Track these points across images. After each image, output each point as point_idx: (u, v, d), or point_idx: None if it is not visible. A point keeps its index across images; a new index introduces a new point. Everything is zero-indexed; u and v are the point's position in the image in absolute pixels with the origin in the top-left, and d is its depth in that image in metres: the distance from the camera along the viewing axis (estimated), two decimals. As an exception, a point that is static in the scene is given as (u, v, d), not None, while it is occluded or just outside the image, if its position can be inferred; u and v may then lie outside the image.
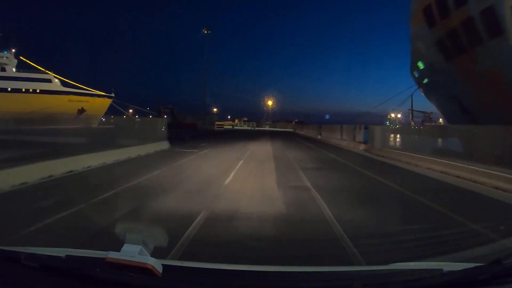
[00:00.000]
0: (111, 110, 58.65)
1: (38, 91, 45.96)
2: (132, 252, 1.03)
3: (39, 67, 48.08)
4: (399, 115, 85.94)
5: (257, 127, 77.29)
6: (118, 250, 1.05)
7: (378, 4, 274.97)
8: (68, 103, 47.56)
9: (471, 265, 1.27)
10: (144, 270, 1.01)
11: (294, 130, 61.18)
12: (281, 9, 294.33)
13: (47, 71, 48.31)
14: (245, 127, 76.24)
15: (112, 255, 1.04)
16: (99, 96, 52.07)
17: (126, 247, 1.05)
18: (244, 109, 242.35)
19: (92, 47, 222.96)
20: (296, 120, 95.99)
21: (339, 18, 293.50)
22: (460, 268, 1.22)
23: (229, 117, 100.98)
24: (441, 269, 1.20)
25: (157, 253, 1.11)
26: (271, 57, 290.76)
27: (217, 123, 54.53)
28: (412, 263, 1.53)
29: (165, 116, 58.07)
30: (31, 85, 45.91)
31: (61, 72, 51.99)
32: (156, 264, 1.03)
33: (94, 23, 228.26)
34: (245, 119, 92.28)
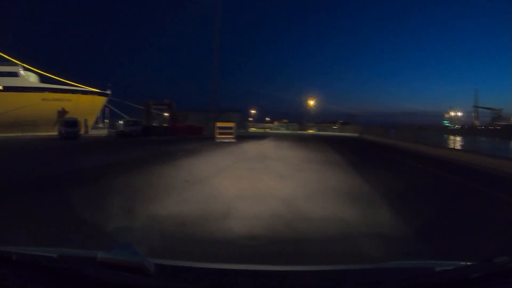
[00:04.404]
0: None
1: (1, 88, 34.94)
2: (124, 251, 1.03)
3: (8, 58, 37.14)
4: (459, 114, 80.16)
5: (300, 130, 59.88)
6: (111, 249, 1.05)
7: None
8: (43, 103, 35.91)
9: (463, 263, 1.27)
10: (136, 270, 1.00)
11: (361, 135, 39.07)
12: (323, 6, 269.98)
13: (20, 63, 37.25)
14: (282, 131, 58.75)
15: (104, 254, 1.03)
16: (85, 92, 39.93)
17: (118, 247, 1.05)
18: (285, 111, 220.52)
19: (86, 37, 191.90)
20: (341, 121, 79.75)
21: (381, 18, 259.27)
22: (451, 267, 1.22)
23: (267, 119, 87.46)
24: (433, 268, 1.19)
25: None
26: (311, 59, 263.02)
27: (219, 125, 26.26)
28: (404, 262, 1.61)
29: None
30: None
31: (52, 67, 40.45)
32: (148, 263, 1.01)
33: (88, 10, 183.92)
34: (285, 121, 77.06)
